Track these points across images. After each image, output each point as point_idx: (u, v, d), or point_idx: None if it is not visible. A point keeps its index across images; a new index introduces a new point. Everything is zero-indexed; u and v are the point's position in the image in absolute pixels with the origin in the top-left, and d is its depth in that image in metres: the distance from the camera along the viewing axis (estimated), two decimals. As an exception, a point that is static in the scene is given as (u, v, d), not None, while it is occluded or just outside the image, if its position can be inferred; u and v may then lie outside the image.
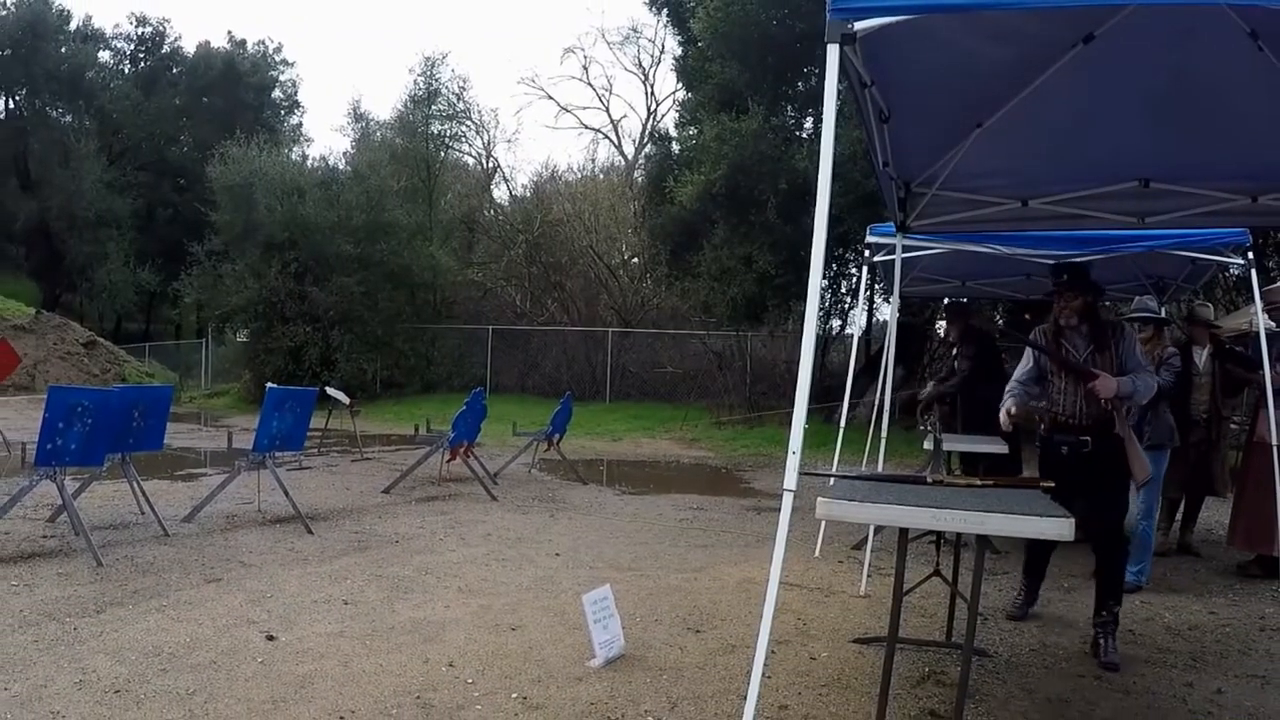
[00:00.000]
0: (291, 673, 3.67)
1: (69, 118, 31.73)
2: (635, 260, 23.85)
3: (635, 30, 39.57)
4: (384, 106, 56.23)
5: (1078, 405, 4.25)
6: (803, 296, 9.58)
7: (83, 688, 3.42)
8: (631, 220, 22.97)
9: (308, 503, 7.54)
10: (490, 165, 28.32)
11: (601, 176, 28.84)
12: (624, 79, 71.66)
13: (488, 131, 27.74)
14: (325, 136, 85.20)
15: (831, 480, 3.39)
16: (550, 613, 4.68)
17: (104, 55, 33.44)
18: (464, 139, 26.41)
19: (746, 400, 17.17)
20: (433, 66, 23.27)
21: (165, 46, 34.47)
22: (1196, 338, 6.66)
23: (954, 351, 7.79)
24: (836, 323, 17.87)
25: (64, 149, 29.51)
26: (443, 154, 24.18)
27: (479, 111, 29.88)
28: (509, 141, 64.70)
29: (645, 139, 28.72)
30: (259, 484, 7.49)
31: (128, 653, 3.82)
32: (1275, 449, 5.71)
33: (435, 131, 23.69)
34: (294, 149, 27.95)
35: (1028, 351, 4.51)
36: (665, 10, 18.28)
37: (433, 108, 23.53)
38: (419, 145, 22.76)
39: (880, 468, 6.10)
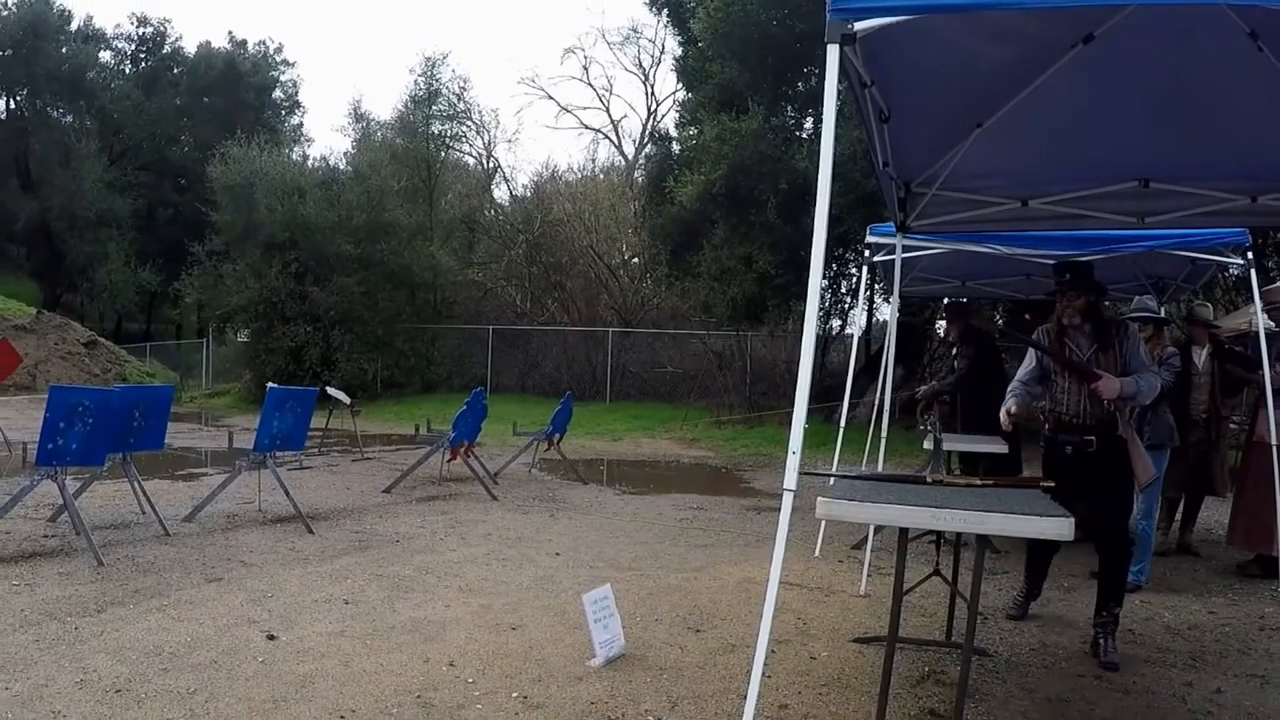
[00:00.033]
0: (292, 672, 3.67)
1: (70, 118, 31.74)
2: (635, 260, 23.85)
3: (635, 30, 39.65)
4: (384, 106, 56.26)
5: (1081, 405, 4.23)
6: (803, 296, 9.57)
7: (84, 687, 3.43)
8: (631, 220, 22.98)
9: (308, 502, 7.54)
10: (490, 165, 28.39)
11: (602, 176, 28.87)
12: (624, 79, 71.67)
13: (488, 131, 27.81)
14: (326, 137, 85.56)
15: (831, 480, 3.40)
16: (550, 612, 4.69)
17: (105, 55, 33.52)
18: (464, 139, 26.48)
19: (746, 400, 17.17)
20: (433, 67, 23.34)
21: (166, 47, 34.55)
22: (1196, 338, 6.67)
23: (954, 351, 7.80)
24: (836, 323, 17.89)
25: (65, 149, 29.53)
26: (443, 154, 24.19)
27: (479, 111, 29.90)
28: (509, 141, 65.06)
29: (645, 139, 28.75)
30: (260, 484, 7.49)
31: (128, 652, 3.82)
32: (1275, 449, 5.72)
33: (436, 131, 23.71)
34: (295, 149, 28.01)
35: (1030, 351, 4.49)
36: (665, 10, 18.28)
37: (433, 108, 23.57)
38: (419, 145, 22.77)
39: (880, 467, 6.10)
